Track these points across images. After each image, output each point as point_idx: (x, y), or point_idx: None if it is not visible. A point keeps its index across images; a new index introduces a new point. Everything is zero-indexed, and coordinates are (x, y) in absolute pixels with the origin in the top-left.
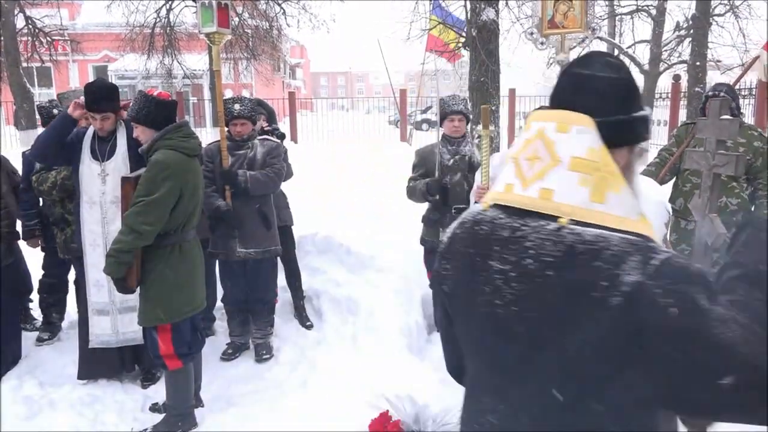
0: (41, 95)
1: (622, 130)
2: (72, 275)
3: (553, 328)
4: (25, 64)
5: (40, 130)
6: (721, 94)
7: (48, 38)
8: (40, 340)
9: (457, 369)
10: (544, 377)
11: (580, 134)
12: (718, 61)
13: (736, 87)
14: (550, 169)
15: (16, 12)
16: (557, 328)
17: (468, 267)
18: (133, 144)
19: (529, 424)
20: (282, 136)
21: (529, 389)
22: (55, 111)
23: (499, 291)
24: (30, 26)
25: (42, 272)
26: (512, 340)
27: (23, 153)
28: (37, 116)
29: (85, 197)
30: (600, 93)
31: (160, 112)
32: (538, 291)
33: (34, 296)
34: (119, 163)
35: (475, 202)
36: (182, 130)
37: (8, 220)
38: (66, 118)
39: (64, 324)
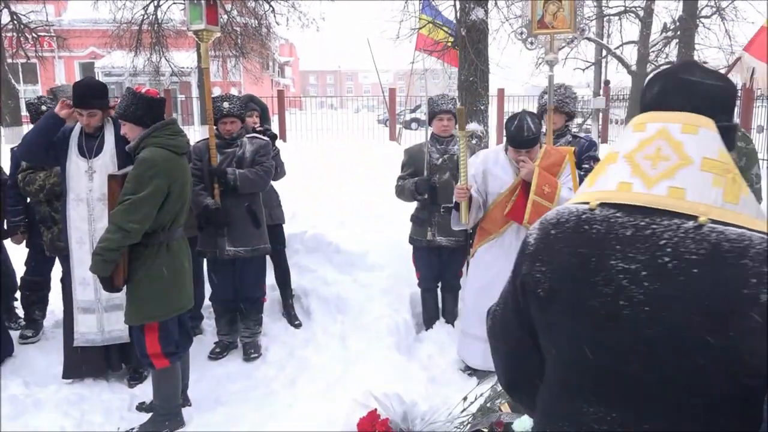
0: (26, 92)
1: (728, 136)
2: (55, 273)
3: (697, 328)
4: (10, 60)
5: (27, 127)
6: None
7: (34, 34)
8: (23, 338)
9: (523, 381)
10: (677, 380)
11: (708, 136)
12: (705, 62)
13: None
14: (679, 169)
15: (1, 7)
16: (702, 327)
17: (578, 268)
18: (120, 141)
19: None
20: (273, 137)
21: (656, 395)
22: (44, 107)
23: (625, 291)
24: (15, 22)
25: (24, 270)
26: (639, 343)
27: (11, 149)
28: (24, 113)
29: (72, 194)
30: (710, 99)
31: (148, 109)
32: (679, 290)
33: (17, 294)
34: (107, 160)
35: (456, 202)
36: (170, 127)
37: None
38: (52, 118)
39: (49, 323)
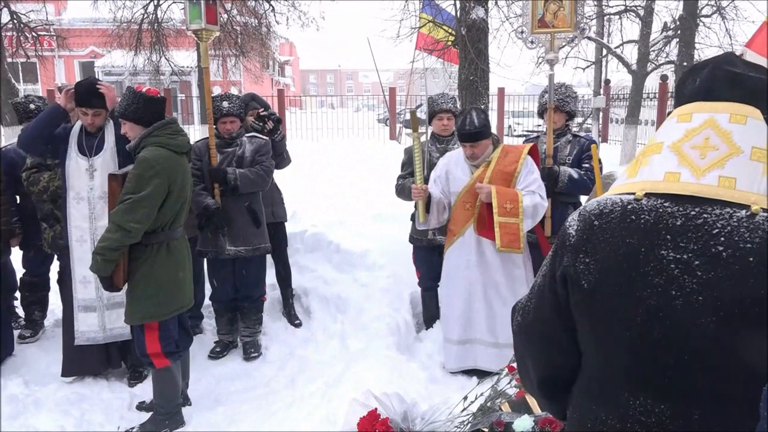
0: (26, 91)
1: None
2: (53, 273)
3: (751, 317)
4: (10, 60)
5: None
6: None
7: (33, 33)
8: (22, 338)
9: (557, 377)
10: (728, 369)
11: (756, 126)
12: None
13: None
14: (729, 158)
15: (1, 6)
16: (757, 316)
17: (626, 259)
18: (121, 140)
19: (699, 423)
20: (278, 121)
21: (706, 385)
22: (32, 106)
23: (677, 281)
24: (15, 21)
25: (23, 270)
26: (691, 332)
27: (0, 149)
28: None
29: (72, 193)
30: (755, 91)
31: (149, 108)
32: (734, 278)
33: (16, 294)
34: (107, 158)
35: (414, 203)
36: (170, 127)
37: (6, 218)
38: (57, 109)
39: (50, 322)
